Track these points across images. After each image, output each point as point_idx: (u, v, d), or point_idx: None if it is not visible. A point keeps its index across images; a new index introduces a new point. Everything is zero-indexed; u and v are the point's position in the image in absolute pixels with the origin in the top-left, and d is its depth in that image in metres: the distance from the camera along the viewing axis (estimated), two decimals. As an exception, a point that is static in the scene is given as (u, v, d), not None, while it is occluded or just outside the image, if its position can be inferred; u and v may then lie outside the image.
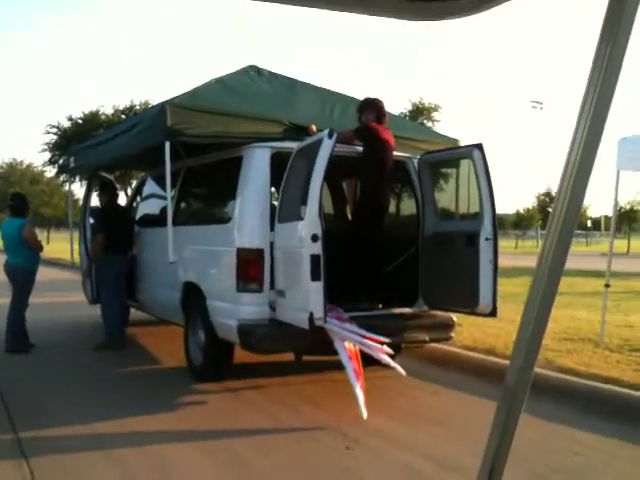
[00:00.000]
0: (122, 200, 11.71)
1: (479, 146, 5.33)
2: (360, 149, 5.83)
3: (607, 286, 7.43)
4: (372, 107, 5.99)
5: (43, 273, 7.98)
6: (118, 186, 11.12)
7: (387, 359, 5.05)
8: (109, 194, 8.23)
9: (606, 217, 55.92)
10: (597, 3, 1.00)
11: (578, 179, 1.01)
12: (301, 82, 7.11)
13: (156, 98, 27.89)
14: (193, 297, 6.13)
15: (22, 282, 7.55)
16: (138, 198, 9.00)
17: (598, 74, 0.97)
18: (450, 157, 6.08)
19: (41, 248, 7.76)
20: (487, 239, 5.27)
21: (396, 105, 33.20)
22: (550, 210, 1.08)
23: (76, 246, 9.07)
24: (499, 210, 5.48)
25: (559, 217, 1.04)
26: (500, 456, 1.16)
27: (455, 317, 5.96)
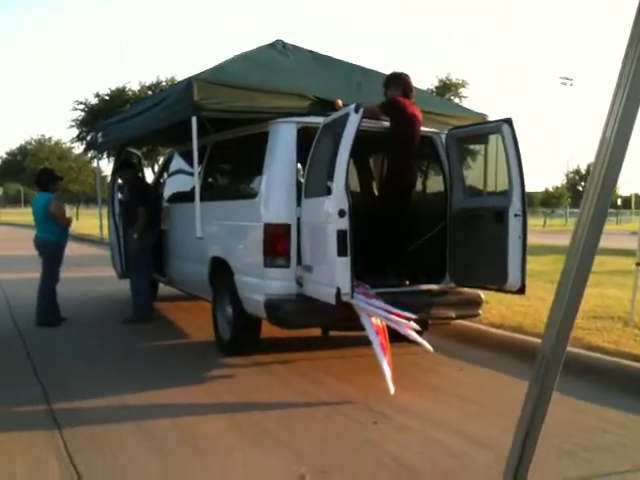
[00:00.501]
0: (149, 176, 11.81)
1: (508, 121, 5.24)
2: (387, 124, 5.77)
3: (638, 264, 7.32)
4: (398, 82, 5.91)
5: (72, 248, 8.10)
6: (144, 162, 11.17)
7: (414, 335, 5.05)
8: (133, 170, 8.37)
9: (637, 195, 55.05)
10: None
11: (613, 158, 0.99)
12: (327, 56, 7.05)
13: (182, 74, 27.90)
14: (221, 272, 6.17)
15: (50, 256, 7.67)
16: (165, 174, 9.04)
17: (635, 49, 0.94)
18: (478, 132, 5.98)
19: (68, 223, 7.83)
20: (516, 215, 5.20)
21: (423, 81, 32.79)
22: (580, 188, 1.06)
23: (105, 222, 9.16)
24: (527, 188, 5.40)
25: (594, 194, 1.02)
26: (534, 425, 1.15)
27: (483, 294, 5.92)
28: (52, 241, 7.62)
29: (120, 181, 8.51)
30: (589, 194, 1.04)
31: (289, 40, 7.04)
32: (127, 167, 8.40)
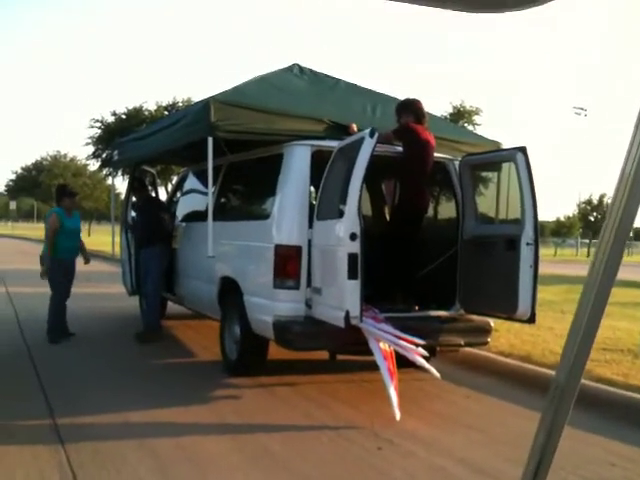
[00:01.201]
0: (162, 195, 11.88)
1: (523, 149, 5.26)
2: (400, 149, 5.81)
3: (649, 297, 7.27)
4: (410, 108, 5.95)
5: (83, 264, 8.06)
6: (158, 181, 11.23)
7: (422, 361, 5.02)
8: (146, 189, 8.54)
9: (649, 227, 54.63)
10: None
11: (632, 193, 1.00)
12: (343, 81, 7.13)
13: (199, 95, 28.21)
14: (230, 292, 6.18)
15: (49, 271, 7.56)
16: (179, 193, 9.11)
17: None
18: (492, 160, 6.00)
19: (49, 240, 7.57)
20: (528, 244, 5.19)
21: (437, 108, 32.94)
22: (591, 219, 1.07)
23: (117, 239, 9.22)
24: (539, 217, 5.40)
25: (612, 226, 1.03)
26: (546, 456, 1.14)
27: (492, 322, 5.89)
28: (50, 256, 7.54)
29: (134, 199, 8.59)
30: (607, 227, 1.05)
31: (306, 64, 7.14)
32: (140, 186, 8.49)
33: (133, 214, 8.66)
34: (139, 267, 8.08)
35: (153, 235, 7.74)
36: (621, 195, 1.01)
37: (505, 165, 5.76)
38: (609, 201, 1.13)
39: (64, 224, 7.57)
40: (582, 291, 1.09)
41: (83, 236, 8.29)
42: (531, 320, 5.25)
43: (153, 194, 9.03)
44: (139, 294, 8.42)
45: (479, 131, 26.54)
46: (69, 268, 7.71)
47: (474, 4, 0.96)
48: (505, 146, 6.47)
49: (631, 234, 56.92)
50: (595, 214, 52.83)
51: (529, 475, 1.19)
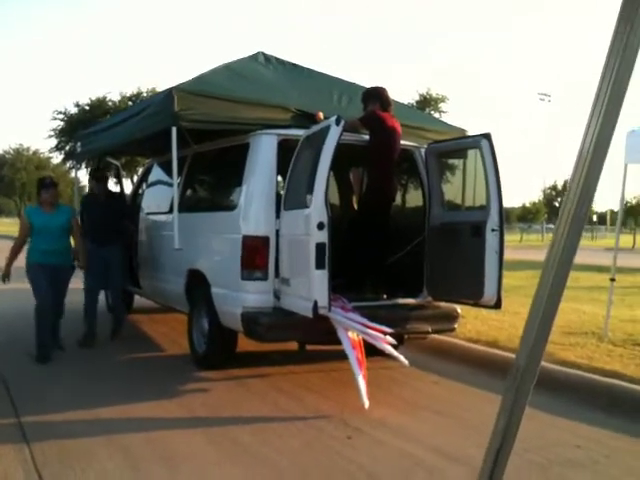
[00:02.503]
0: (127, 187, 11.70)
1: (487, 136, 5.30)
2: (367, 138, 5.80)
3: (612, 280, 7.40)
4: (376, 96, 5.94)
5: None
6: (123, 173, 10.94)
7: (390, 349, 5.05)
8: (101, 178, 7.75)
9: (612, 212, 55.78)
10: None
11: (590, 172, 1.00)
12: (308, 69, 7.09)
13: (163, 85, 27.82)
14: (198, 285, 6.13)
15: (28, 276, 6.51)
16: (144, 185, 8.99)
17: (612, 65, 0.95)
18: (458, 147, 6.04)
19: (17, 240, 6.60)
20: (493, 230, 5.24)
21: (403, 95, 33.08)
22: (556, 204, 1.07)
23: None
24: (505, 203, 5.45)
25: (570, 209, 1.03)
26: (508, 437, 1.15)
27: (459, 309, 5.94)
28: (31, 261, 6.49)
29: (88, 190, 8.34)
30: (565, 209, 1.05)
31: (277, 52, 7.09)
32: (101, 177, 7.79)
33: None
34: (98, 263, 7.20)
35: (116, 231, 7.46)
36: (578, 177, 1.01)
37: (471, 152, 5.80)
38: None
39: (35, 223, 6.44)
40: (541, 274, 1.09)
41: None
42: (497, 306, 5.31)
43: (117, 187, 8.87)
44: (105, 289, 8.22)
45: (445, 118, 26.72)
46: (55, 276, 6.46)
47: None
48: (471, 133, 6.51)
49: (595, 218, 57.97)
50: (560, 199, 53.70)
51: (491, 456, 1.20)
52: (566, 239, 1.05)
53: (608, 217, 60.69)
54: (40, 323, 6.37)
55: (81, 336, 7.07)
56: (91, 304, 7.25)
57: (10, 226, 53.04)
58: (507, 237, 6.29)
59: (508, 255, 6.47)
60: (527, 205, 59.45)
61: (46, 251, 6.38)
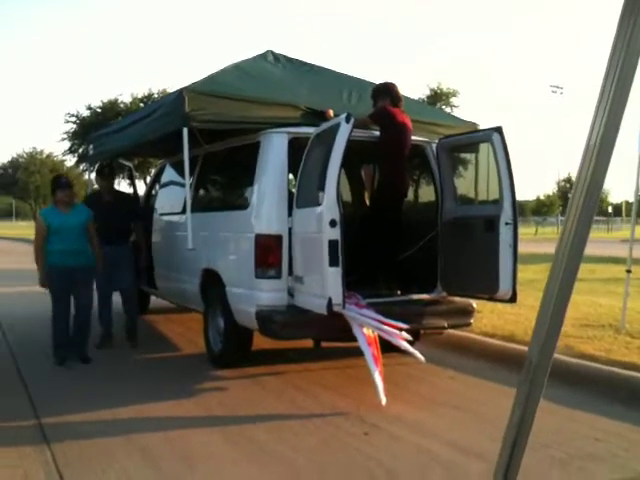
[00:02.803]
0: (141, 188, 11.75)
1: (499, 129, 5.27)
2: (377, 134, 5.79)
3: (629, 272, 7.34)
4: (386, 91, 5.93)
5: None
6: (136, 174, 10.88)
7: (406, 345, 5.04)
8: (108, 177, 7.50)
9: (627, 203, 55.30)
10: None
11: (598, 163, 0.99)
12: (318, 66, 7.08)
13: (174, 86, 27.93)
14: (212, 284, 6.15)
15: (47, 280, 6.38)
16: (157, 186, 9.03)
17: (618, 56, 0.95)
18: (469, 141, 6.01)
19: (34, 248, 6.41)
20: (507, 224, 5.21)
21: (414, 90, 32.97)
22: (570, 196, 1.06)
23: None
24: (519, 196, 5.42)
25: (579, 200, 1.02)
26: (523, 431, 1.14)
27: (474, 303, 5.92)
28: (47, 262, 6.32)
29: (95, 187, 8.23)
30: (574, 201, 1.04)
31: (281, 51, 7.09)
32: (109, 175, 7.53)
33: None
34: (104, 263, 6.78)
35: (122, 230, 7.30)
36: (586, 168, 1.00)
37: (483, 146, 5.77)
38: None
39: (52, 224, 6.26)
40: (550, 268, 1.08)
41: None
42: (512, 300, 5.29)
43: (130, 188, 8.89)
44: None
45: (457, 113, 26.63)
46: (72, 277, 6.28)
47: None
48: (483, 127, 6.47)
49: (610, 210, 57.40)
50: (574, 191, 53.21)
51: (507, 450, 1.20)
52: (575, 233, 1.04)
53: (623, 208, 60.17)
54: (56, 326, 6.36)
55: (98, 338, 7.11)
56: (103, 305, 7.18)
57: (26, 229, 53.50)
58: (522, 230, 6.26)
59: (523, 248, 6.43)
60: (541, 198, 59.12)
61: (64, 251, 6.23)
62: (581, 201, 1.03)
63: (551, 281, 1.07)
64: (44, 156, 52.19)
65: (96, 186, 8.09)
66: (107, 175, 7.50)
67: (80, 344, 6.48)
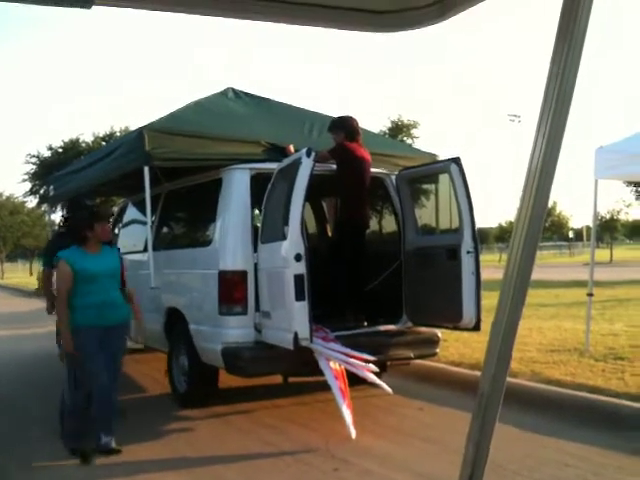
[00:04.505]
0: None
1: (456, 160, 5.36)
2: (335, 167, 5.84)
3: (590, 295, 7.47)
4: (343, 125, 5.97)
5: (29, 304, 7.71)
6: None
7: (373, 377, 5.03)
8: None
9: (588, 227, 56.40)
10: (554, 10, 1.01)
11: (540, 189, 1.02)
12: (278, 102, 7.15)
13: (136, 124, 27.86)
14: (176, 322, 6.07)
15: (75, 348, 4.69)
16: (119, 224, 8.94)
17: (554, 84, 0.98)
18: (428, 172, 6.10)
19: (60, 297, 4.78)
20: (469, 252, 5.27)
21: (375, 123, 33.41)
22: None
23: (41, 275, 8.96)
24: (481, 223, 5.55)
25: (522, 227, 1.04)
26: (478, 464, 1.14)
27: (440, 333, 5.94)
28: (75, 323, 4.68)
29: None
30: (518, 227, 1.06)
31: (241, 86, 7.15)
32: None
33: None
34: None
35: None
36: (529, 193, 1.02)
37: (442, 176, 5.86)
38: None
39: (82, 270, 4.68)
40: (499, 298, 1.10)
41: (23, 275, 6.57)
42: (476, 327, 5.32)
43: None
44: None
45: (418, 143, 27.05)
46: (108, 339, 4.74)
47: (373, 24, 0.97)
48: (442, 157, 6.58)
49: (571, 235, 58.32)
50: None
51: None
52: (521, 258, 1.06)
53: (584, 233, 61.41)
54: (74, 412, 4.78)
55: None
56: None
57: (-14, 273, 52.31)
58: (485, 257, 6.33)
59: (487, 275, 6.49)
60: (503, 224, 60.00)
61: (102, 305, 4.70)
62: (525, 226, 1.05)
63: (499, 310, 1.08)
64: (4, 198, 51.32)
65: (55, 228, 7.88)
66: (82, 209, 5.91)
67: (106, 425, 4.76)
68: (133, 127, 26.95)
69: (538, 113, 1.04)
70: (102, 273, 4.75)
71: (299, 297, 4.68)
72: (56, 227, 7.56)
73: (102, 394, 4.66)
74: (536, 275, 1.61)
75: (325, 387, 5.11)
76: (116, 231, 8.93)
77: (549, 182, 1.03)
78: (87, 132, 32.69)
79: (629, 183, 31.40)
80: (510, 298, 1.06)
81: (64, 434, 4.89)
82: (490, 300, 8.18)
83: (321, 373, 4.97)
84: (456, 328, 5.63)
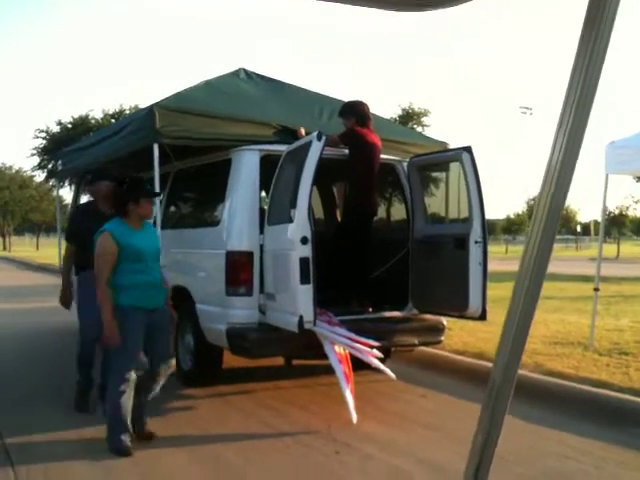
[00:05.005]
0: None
1: (468, 149, 5.32)
2: (347, 152, 5.81)
3: (596, 290, 7.44)
4: (354, 110, 5.93)
5: (33, 278, 7.76)
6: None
7: (377, 363, 5.03)
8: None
9: (596, 222, 56.18)
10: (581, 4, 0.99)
11: (559, 183, 1.00)
12: (290, 85, 7.11)
13: (145, 102, 27.79)
14: (182, 301, 6.07)
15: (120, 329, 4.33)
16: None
17: (578, 77, 0.96)
18: (439, 160, 6.07)
19: (99, 278, 4.30)
20: (476, 242, 5.25)
21: (386, 110, 33.26)
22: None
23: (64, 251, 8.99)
24: (489, 215, 5.50)
25: (541, 219, 1.03)
26: (486, 455, 1.13)
27: (445, 321, 5.94)
28: (119, 304, 4.31)
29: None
30: (536, 221, 1.04)
31: (254, 69, 7.11)
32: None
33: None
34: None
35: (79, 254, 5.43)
36: (548, 188, 1.01)
37: (453, 165, 5.82)
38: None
39: (128, 246, 4.32)
40: (513, 288, 1.08)
41: (30, 249, 6.24)
42: (482, 317, 5.31)
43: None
44: None
45: (428, 132, 26.90)
46: (151, 324, 4.41)
47: (396, 3, 0.95)
48: (452, 146, 6.54)
49: (579, 229, 58.25)
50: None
51: (471, 474, 1.18)
52: (537, 253, 1.05)
53: (592, 227, 61.15)
54: (116, 402, 4.33)
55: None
56: (85, 354, 5.39)
57: (-7, 246, 52.55)
58: (492, 249, 6.32)
59: (494, 267, 6.48)
60: (511, 217, 59.83)
61: (147, 285, 4.37)
62: (543, 220, 1.04)
63: (514, 301, 1.07)
64: (13, 171, 51.48)
65: (68, 204, 7.90)
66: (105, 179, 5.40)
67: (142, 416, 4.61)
68: (142, 105, 26.92)
69: (561, 105, 1.02)
70: (147, 251, 4.41)
71: (304, 280, 4.67)
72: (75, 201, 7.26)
73: (146, 381, 4.51)
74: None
75: (327, 371, 5.12)
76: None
77: (569, 175, 1.02)
78: (97, 109, 32.58)
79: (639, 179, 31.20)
80: (525, 289, 1.05)
81: (112, 436, 4.34)
82: (495, 291, 8.20)
83: (324, 356, 4.97)
84: (461, 317, 5.62)
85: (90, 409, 5.21)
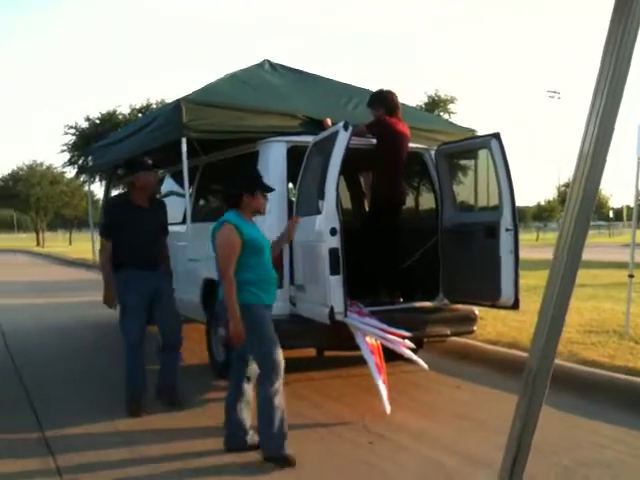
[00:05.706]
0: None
1: (497, 135, 5.25)
2: (375, 142, 5.77)
3: (631, 277, 7.31)
4: (382, 100, 5.89)
5: (66, 273, 7.89)
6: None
7: (409, 353, 5.00)
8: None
9: (628, 207, 55.28)
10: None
11: (592, 169, 0.98)
12: (314, 75, 7.08)
13: (172, 96, 27.95)
14: (214, 294, 6.11)
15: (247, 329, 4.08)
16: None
17: (609, 62, 0.94)
18: (467, 148, 5.99)
19: (226, 270, 4.07)
20: (507, 230, 5.19)
21: (412, 98, 32.99)
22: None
23: (98, 246, 9.12)
24: (519, 202, 5.41)
25: (574, 207, 1.01)
26: (524, 443, 1.12)
27: (477, 310, 5.89)
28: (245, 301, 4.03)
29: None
30: (570, 207, 1.02)
31: (279, 60, 7.10)
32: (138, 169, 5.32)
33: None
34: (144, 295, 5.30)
35: (160, 251, 5.55)
36: (580, 175, 0.99)
37: (481, 152, 5.75)
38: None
39: (252, 240, 4.11)
40: (548, 275, 1.07)
41: (63, 244, 6.57)
42: (515, 306, 5.25)
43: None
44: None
45: (455, 119, 26.62)
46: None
47: None
48: (481, 133, 6.46)
49: (611, 215, 57.34)
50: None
51: (508, 463, 1.17)
52: (572, 239, 1.03)
53: (624, 213, 60.11)
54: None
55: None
56: (134, 359, 5.25)
57: (26, 241, 53.51)
58: (523, 236, 6.25)
59: (525, 255, 6.40)
60: (542, 203, 59.05)
61: (269, 280, 4.17)
62: (577, 208, 1.02)
63: (549, 288, 1.05)
64: (44, 168, 52.26)
65: (99, 200, 8.01)
66: (143, 169, 5.29)
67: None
68: (169, 100, 27.10)
69: (592, 90, 0.99)
70: (267, 245, 4.23)
71: (334, 271, 4.67)
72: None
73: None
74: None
75: (359, 362, 5.11)
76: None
77: (602, 163, 0.99)
78: (124, 104, 32.80)
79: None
80: (560, 277, 1.03)
81: (228, 438, 4.25)
82: (527, 280, 8.11)
83: (356, 348, 4.96)
84: (494, 306, 5.56)
85: (142, 414, 5.02)
